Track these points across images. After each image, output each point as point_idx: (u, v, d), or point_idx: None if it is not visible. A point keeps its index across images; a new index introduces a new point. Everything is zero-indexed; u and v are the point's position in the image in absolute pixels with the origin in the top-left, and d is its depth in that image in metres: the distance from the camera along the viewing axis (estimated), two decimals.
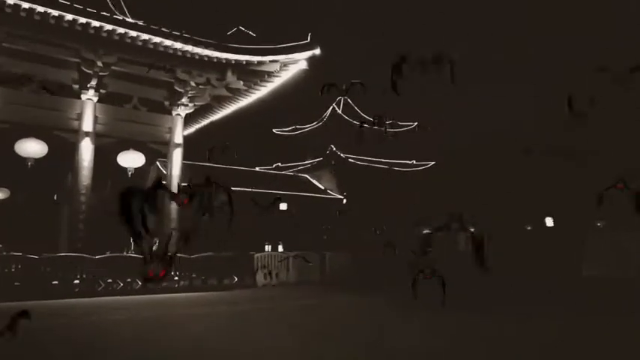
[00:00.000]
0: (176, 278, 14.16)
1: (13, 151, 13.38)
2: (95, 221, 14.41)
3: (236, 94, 16.65)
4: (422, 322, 8.86)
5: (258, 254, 16.56)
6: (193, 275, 14.46)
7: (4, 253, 12.22)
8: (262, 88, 17.02)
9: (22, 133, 13.24)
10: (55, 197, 18.24)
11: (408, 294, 5.90)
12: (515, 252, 19.74)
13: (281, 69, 16.05)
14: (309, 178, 27.05)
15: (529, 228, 23.86)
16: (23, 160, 13.52)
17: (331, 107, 27.04)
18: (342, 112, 26.85)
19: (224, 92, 16.18)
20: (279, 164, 28.89)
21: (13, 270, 12.08)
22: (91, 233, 14.09)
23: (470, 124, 33.17)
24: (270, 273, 16.72)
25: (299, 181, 26.39)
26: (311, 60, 15.90)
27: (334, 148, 24.59)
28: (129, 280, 13.29)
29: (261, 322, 9.14)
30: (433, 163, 27.81)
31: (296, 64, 16.03)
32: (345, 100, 27.35)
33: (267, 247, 26.15)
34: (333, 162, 24.31)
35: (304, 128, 28.71)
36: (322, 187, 25.64)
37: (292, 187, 25.12)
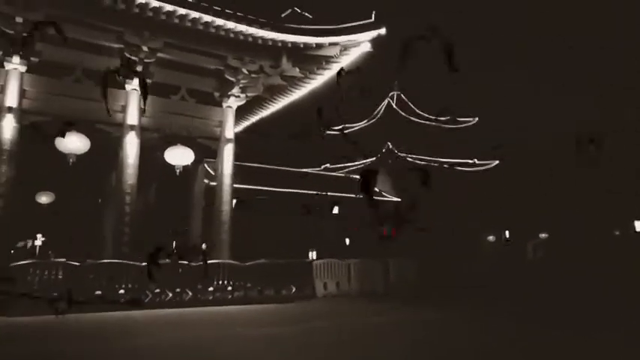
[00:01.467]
0: (229, 288, 12.55)
1: (53, 148, 12.17)
2: (142, 224, 13.05)
3: (290, 83, 15.02)
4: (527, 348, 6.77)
5: (318, 261, 14.80)
6: (248, 285, 12.81)
7: (53, 260, 10.95)
8: (319, 77, 15.32)
9: (62, 127, 12.00)
10: (100, 200, 17.13)
11: (487, 309, 3.91)
12: (608, 259, 17.18)
13: (341, 53, 14.30)
14: None
15: (617, 233, 21.08)
16: (64, 157, 12.28)
17: (385, 102, 25.11)
18: (396, 106, 24.91)
19: (278, 81, 14.57)
20: (328, 165, 27.13)
21: (53, 278, 10.76)
22: (137, 237, 12.73)
23: (535, 122, 30.57)
24: (332, 283, 14.91)
25: (350, 182, 24.53)
26: (376, 41, 14.10)
27: (390, 146, 22.64)
28: (178, 290, 11.78)
29: (336, 347, 7.29)
30: (497, 162, 25.38)
31: (358, 46, 14.26)
32: (398, 94, 25.38)
33: (312, 254, 24.35)
34: (390, 161, 22.36)
35: (355, 126, 26.89)
36: (376, 189, 23.70)
37: (343, 189, 23.32)
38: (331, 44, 13.93)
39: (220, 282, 12.48)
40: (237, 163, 16.80)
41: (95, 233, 15.37)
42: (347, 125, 28.55)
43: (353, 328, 9.26)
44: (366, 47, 14.08)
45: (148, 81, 13.20)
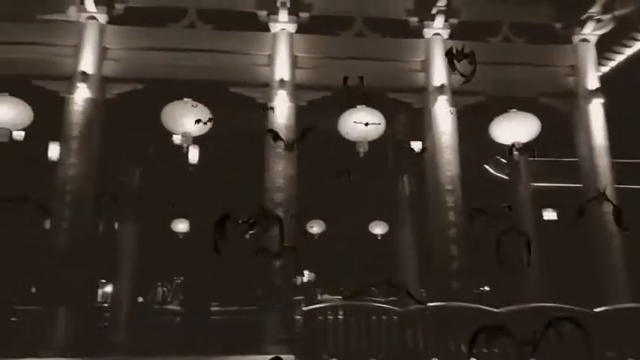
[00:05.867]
0: None
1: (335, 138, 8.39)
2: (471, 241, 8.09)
3: None
4: None
5: None
6: None
7: (347, 302, 6.86)
8: None
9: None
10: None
11: None
12: None
13: None
14: None
15: None
16: (350, 146, 8.39)
17: None
18: None
19: None
20: None
21: (359, 331, 6.54)
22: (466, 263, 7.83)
23: None
24: None
25: None
26: None
27: None
28: None
29: None
30: None
31: None
32: None
33: None
34: None
35: None
36: None
37: None
38: None
39: None
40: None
41: (383, 260, 11.32)
42: None
43: None
44: None
45: (453, 21, 8.61)
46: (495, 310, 6.66)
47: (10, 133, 7.78)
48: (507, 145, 8.42)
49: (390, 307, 6.86)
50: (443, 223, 7.62)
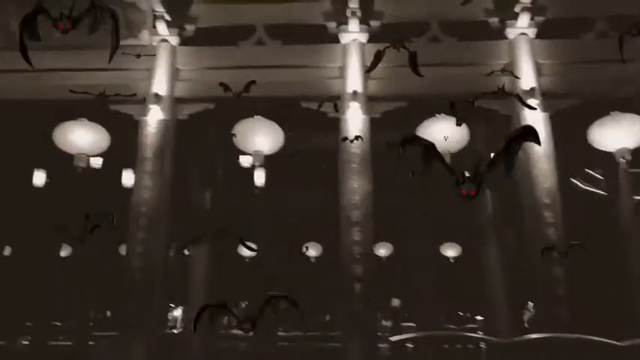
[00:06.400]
0: None
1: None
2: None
3: None
4: None
5: None
6: None
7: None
8: None
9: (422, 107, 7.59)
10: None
11: None
12: None
13: None
14: None
15: None
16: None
17: None
18: None
19: None
20: None
21: None
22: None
23: None
24: None
25: None
26: None
27: None
28: None
29: None
30: None
31: None
32: None
33: None
34: None
35: None
36: None
37: None
38: None
39: None
40: None
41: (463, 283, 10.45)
42: None
43: None
44: None
45: (539, 18, 7.88)
46: (618, 342, 5.73)
47: (88, 158, 7.88)
48: (608, 153, 7.50)
49: (487, 337, 6.11)
50: (542, 241, 6.76)
